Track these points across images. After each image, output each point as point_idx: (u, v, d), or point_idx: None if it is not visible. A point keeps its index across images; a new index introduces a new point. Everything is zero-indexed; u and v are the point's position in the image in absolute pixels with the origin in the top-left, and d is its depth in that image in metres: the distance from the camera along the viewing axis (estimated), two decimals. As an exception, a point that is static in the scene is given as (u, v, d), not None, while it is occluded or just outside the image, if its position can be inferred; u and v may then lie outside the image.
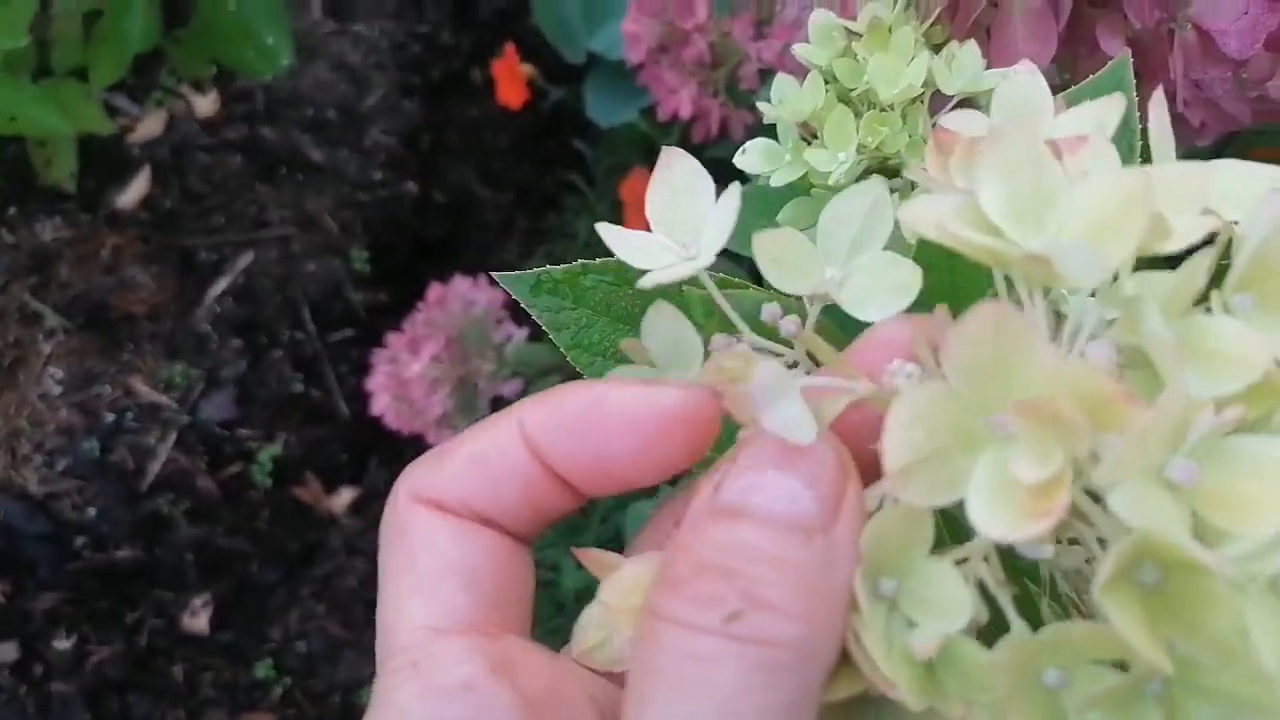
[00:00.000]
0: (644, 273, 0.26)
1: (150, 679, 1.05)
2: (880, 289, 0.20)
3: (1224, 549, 0.14)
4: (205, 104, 1.26)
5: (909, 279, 0.19)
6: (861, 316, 0.20)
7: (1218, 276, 0.16)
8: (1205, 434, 0.14)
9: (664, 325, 0.22)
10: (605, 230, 0.21)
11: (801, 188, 0.34)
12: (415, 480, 0.21)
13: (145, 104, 1.26)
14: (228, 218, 1.21)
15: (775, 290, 0.22)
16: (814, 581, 0.16)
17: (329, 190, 1.24)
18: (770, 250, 0.20)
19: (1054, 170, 0.16)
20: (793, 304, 0.22)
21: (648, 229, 0.22)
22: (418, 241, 1.26)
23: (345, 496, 1.12)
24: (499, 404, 1.01)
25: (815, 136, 0.33)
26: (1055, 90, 0.37)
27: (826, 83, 0.33)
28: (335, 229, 1.22)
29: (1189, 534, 0.14)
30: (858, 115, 0.32)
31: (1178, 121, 0.39)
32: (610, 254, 0.25)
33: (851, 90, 0.32)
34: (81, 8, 0.88)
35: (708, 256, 0.20)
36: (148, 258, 1.18)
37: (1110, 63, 0.27)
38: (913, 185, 0.33)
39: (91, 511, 1.07)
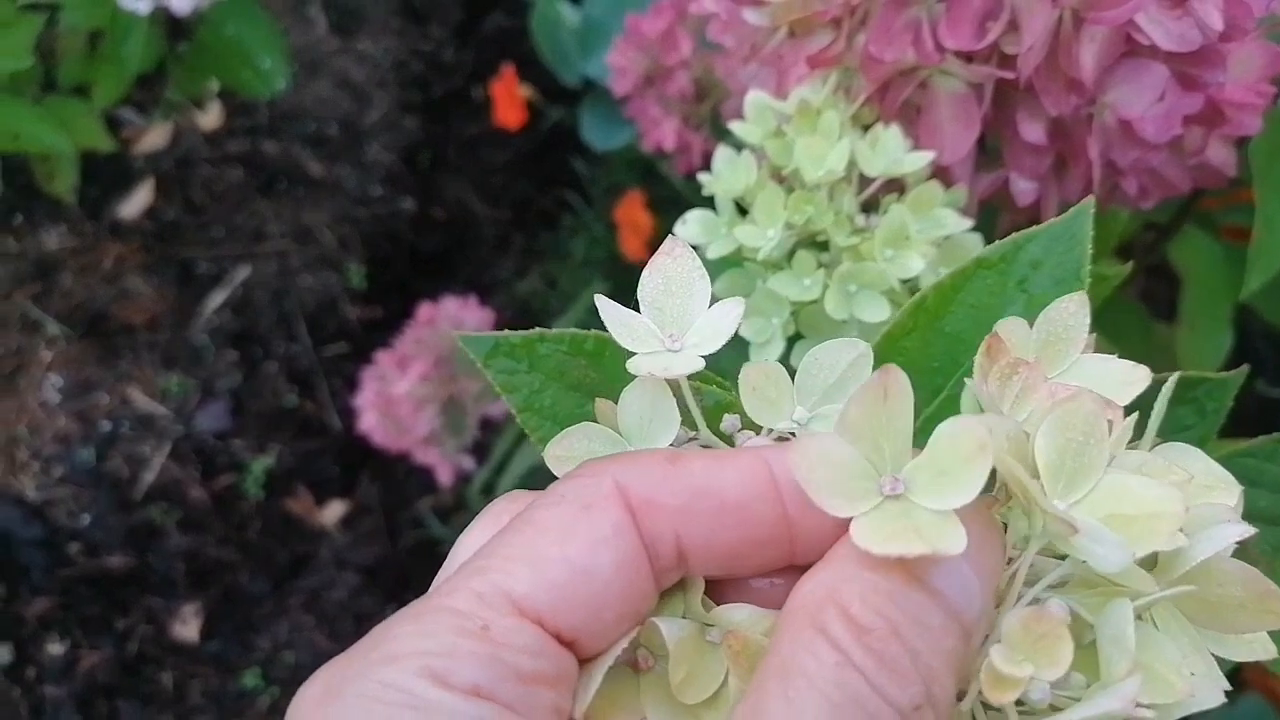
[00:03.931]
0: (602, 349, 0.27)
1: (140, 685, 1.07)
2: None
3: None
4: (209, 117, 1.28)
5: None
6: None
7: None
8: None
9: (648, 398, 0.22)
10: (601, 302, 0.22)
11: (736, 260, 0.35)
12: (640, 481, 0.19)
13: (150, 116, 1.28)
14: (228, 230, 1.23)
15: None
16: (956, 678, 0.17)
17: (328, 205, 1.25)
18: (752, 380, 0.22)
19: (1101, 448, 0.18)
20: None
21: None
22: (414, 257, 1.27)
23: (336, 510, 1.14)
24: (487, 425, 1.02)
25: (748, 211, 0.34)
26: (979, 164, 0.38)
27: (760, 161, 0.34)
28: (333, 243, 1.24)
29: None
30: (790, 192, 0.34)
31: (1114, 194, 0.40)
32: (586, 304, 0.26)
33: (782, 169, 0.34)
34: (86, 25, 0.90)
35: (695, 359, 0.21)
36: (148, 268, 1.20)
37: (1072, 209, 0.27)
38: (840, 259, 0.34)
39: (86, 518, 1.09)
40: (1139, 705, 0.16)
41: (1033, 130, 0.33)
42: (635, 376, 0.22)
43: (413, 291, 1.17)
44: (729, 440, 0.22)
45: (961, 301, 0.26)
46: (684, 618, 0.20)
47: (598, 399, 0.23)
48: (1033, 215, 0.39)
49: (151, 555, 1.10)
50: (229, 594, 1.10)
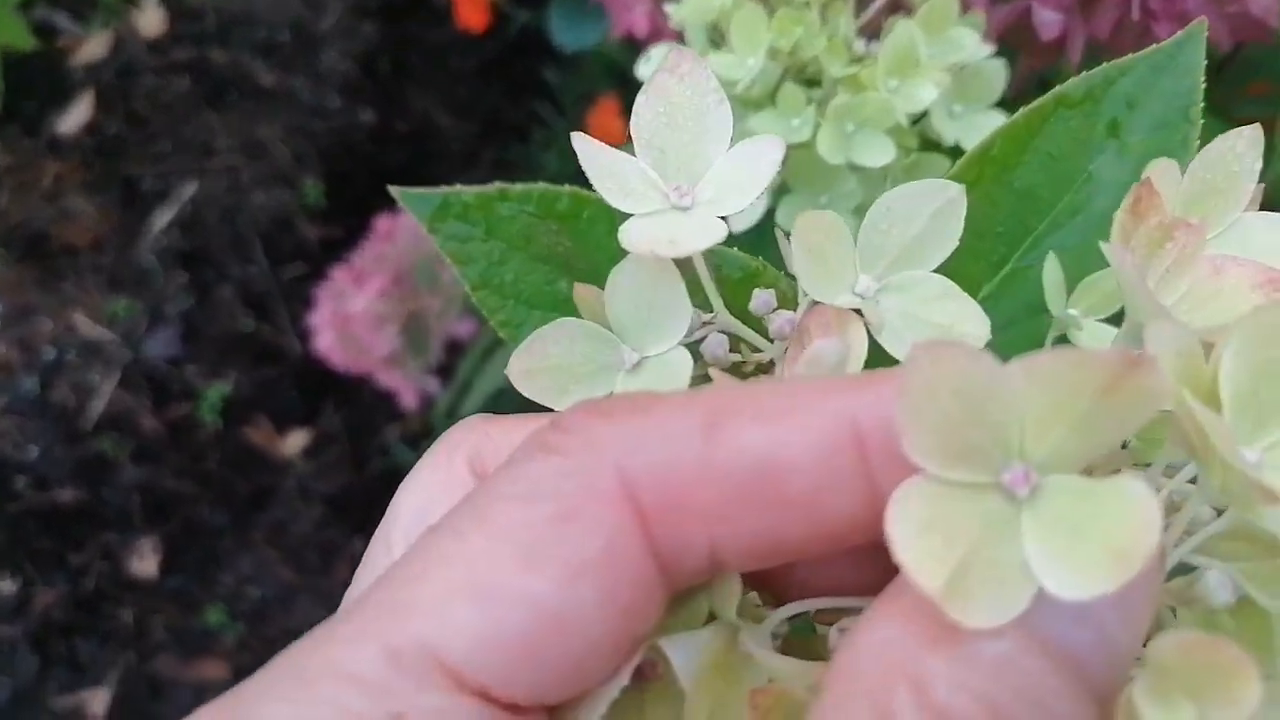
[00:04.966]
0: (579, 209, 0.21)
1: (98, 623, 1.02)
2: (922, 323, 0.15)
3: None
4: (150, 23, 1.20)
5: (970, 321, 0.16)
6: (890, 348, 0.16)
7: None
8: None
9: (647, 280, 0.16)
10: (579, 141, 0.16)
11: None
12: (658, 471, 0.13)
13: (88, 24, 1.19)
14: (174, 144, 1.16)
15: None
16: None
17: (281, 117, 1.18)
18: (811, 236, 0.16)
19: None
20: (786, 286, 0.18)
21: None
22: (375, 172, 1.20)
23: (298, 439, 1.09)
24: (455, 348, 0.97)
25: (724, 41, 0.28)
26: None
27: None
28: (287, 158, 1.17)
29: None
30: (772, 15, 0.28)
31: (1143, 40, 0.35)
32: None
33: (764, -16, 0.28)
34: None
35: (715, 225, 0.16)
36: (90, 186, 1.13)
37: (1178, 33, 0.22)
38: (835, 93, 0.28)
39: (33, 450, 1.04)
40: None
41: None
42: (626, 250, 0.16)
43: (374, 209, 1.10)
44: (760, 327, 0.17)
45: (1037, 149, 0.21)
46: (707, 624, 0.14)
47: (578, 284, 0.17)
48: (1055, 55, 0.34)
49: (104, 488, 1.05)
50: (188, 527, 1.05)
